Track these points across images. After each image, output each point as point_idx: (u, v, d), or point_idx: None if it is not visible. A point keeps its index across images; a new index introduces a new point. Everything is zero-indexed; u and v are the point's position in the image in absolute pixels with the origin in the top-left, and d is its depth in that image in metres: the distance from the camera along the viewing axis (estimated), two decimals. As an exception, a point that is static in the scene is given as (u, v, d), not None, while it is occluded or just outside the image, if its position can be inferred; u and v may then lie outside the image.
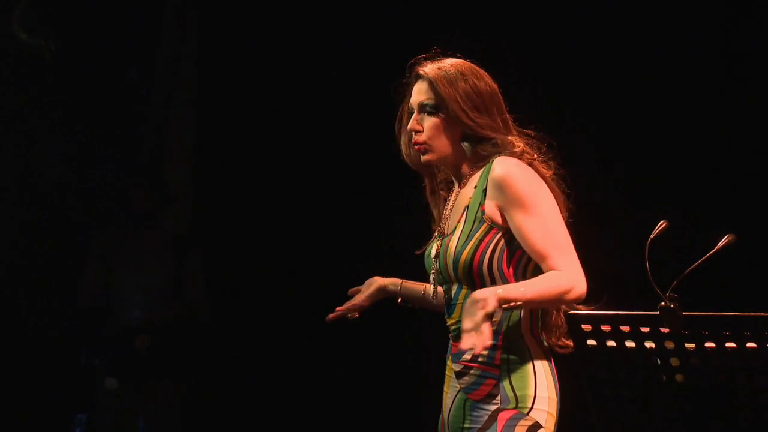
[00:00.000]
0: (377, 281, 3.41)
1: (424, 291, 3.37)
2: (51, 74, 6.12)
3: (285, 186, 6.14)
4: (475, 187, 3.08)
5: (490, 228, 3.02)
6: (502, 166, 3.02)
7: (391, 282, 3.40)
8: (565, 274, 2.95)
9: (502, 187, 3.01)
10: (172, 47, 6.43)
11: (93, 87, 6.24)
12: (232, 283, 6.15)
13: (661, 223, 2.75)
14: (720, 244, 2.65)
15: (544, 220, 2.98)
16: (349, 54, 5.91)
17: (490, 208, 3.03)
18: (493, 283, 3.02)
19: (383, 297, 3.41)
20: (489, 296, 2.85)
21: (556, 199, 3.06)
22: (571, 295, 2.94)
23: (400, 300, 3.43)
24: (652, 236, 2.69)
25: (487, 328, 2.82)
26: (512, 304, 2.90)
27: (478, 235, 3.03)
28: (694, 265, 2.59)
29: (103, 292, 5.79)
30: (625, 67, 5.19)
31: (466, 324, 2.84)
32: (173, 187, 6.10)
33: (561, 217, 3.03)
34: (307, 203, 6.10)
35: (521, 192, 3.00)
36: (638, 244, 2.71)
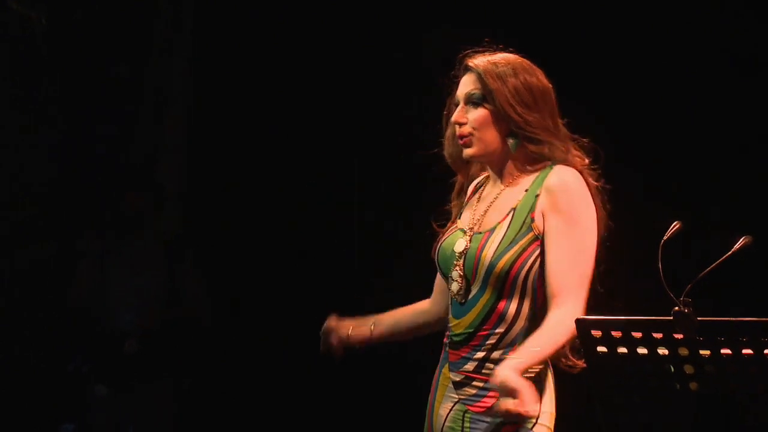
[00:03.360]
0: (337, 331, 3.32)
1: (401, 318, 3.31)
2: (41, 71, 6.12)
3: (282, 186, 6.14)
4: (527, 190, 3.04)
5: (536, 238, 2.99)
6: (560, 175, 3.00)
7: (358, 329, 3.31)
8: (567, 320, 2.87)
9: (553, 193, 2.98)
10: (165, 43, 6.43)
11: (84, 84, 6.24)
12: (226, 286, 6.14)
13: (674, 224, 2.74)
14: (736, 246, 2.65)
15: (577, 245, 2.95)
16: (348, 51, 5.90)
17: (539, 217, 3.00)
18: (524, 295, 2.99)
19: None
20: (517, 384, 2.81)
21: (597, 215, 3.04)
22: (569, 339, 2.93)
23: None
24: (665, 238, 2.68)
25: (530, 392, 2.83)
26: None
27: (522, 243, 2.99)
28: (709, 268, 2.58)
29: (94, 295, 5.79)
30: (643, 64, 5.19)
31: (508, 406, 2.82)
32: (167, 188, 6.10)
33: (594, 245, 2.98)
34: (304, 203, 6.09)
35: (569, 204, 2.97)
36: (651, 245, 2.70)
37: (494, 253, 3.00)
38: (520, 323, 3.00)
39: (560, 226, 2.96)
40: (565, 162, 3.04)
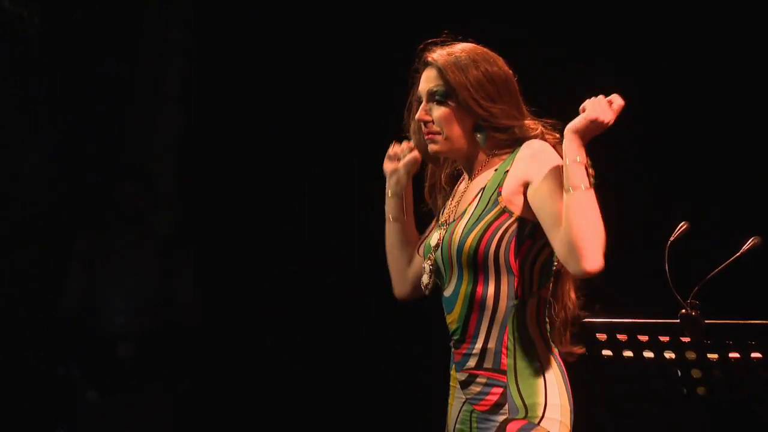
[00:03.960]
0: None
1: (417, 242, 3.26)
2: (35, 70, 6.11)
3: (278, 183, 6.13)
4: (496, 170, 3.03)
5: (503, 212, 2.96)
6: (530, 145, 2.99)
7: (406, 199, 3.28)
8: (602, 238, 2.82)
9: (532, 158, 2.96)
10: (159, 37, 6.42)
11: (78, 82, 6.23)
12: (222, 286, 6.13)
13: (681, 224, 2.73)
14: (745, 247, 2.64)
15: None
16: (345, 47, 5.89)
17: (510, 188, 2.96)
18: (498, 273, 2.97)
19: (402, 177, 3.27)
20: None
21: None
22: (590, 254, 2.78)
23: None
24: (672, 238, 2.67)
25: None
26: (582, 164, 2.83)
27: (488, 218, 2.97)
28: (717, 269, 2.57)
29: (85, 297, 5.77)
30: (649, 63, 5.18)
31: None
32: (160, 185, 6.08)
33: None
34: (303, 203, 6.08)
35: (543, 162, 2.94)
36: (657, 246, 2.69)
37: (461, 235, 2.99)
38: (504, 302, 2.98)
39: (548, 180, 2.90)
40: (537, 138, 3.03)
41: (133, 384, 5.64)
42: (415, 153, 3.24)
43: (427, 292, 3.11)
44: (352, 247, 5.89)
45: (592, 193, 2.81)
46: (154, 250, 5.83)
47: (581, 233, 2.79)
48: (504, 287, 2.98)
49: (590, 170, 2.84)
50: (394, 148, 3.30)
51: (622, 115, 2.91)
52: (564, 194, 2.83)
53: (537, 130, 3.05)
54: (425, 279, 3.10)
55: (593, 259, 2.78)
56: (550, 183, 2.91)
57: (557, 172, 2.91)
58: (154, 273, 5.79)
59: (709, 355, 2.47)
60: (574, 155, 2.84)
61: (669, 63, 5.16)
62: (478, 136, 3.06)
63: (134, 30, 6.38)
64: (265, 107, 6.15)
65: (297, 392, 6.05)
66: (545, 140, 3.03)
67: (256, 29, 6.17)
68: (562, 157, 2.95)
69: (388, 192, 3.30)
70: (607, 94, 2.93)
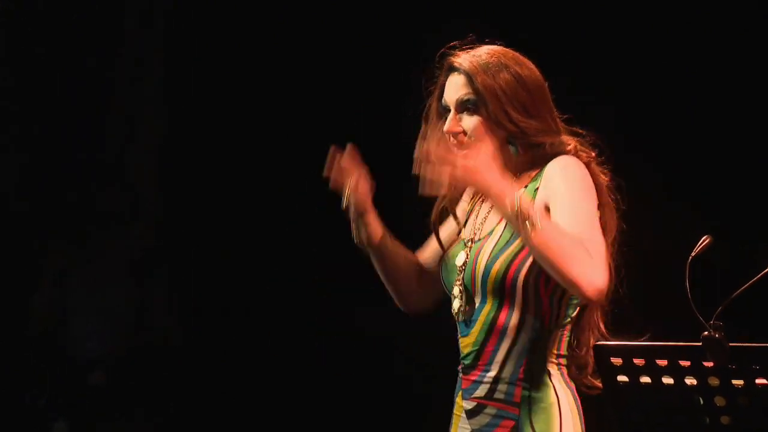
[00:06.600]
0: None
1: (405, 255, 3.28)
2: (4, 64, 6.13)
3: (265, 196, 6.13)
4: (526, 187, 3.05)
5: None
6: (559, 162, 3.01)
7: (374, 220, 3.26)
8: (589, 255, 2.85)
9: (552, 177, 2.99)
10: (138, 31, 6.43)
11: (48, 75, 6.23)
12: (203, 306, 6.13)
13: (704, 238, 2.73)
14: (773, 262, 2.64)
15: (580, 209, 2.93)
16: (344, 45, 5.91)
17: (539, 211, 2.97)
18: (525, 302, 3.00)
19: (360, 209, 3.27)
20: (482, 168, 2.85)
21: (609, 214, 3.05)
22: (585, 279, 2.83)
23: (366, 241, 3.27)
24: (693, 254, 2.68)
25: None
26: (519, 215, 2.83)
27: (518, 242, 3.00)
28: (743, 287, 2.57)
29: (54, 318, 5.77)
30: (674, 61, 5.20)
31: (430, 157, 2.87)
32: (140, 194, 6.08)
33: (596, 214, 2.97)
34: (288, 215, 6.08)
35: (570, 181, 2.97)
36: (677, 262, 2.69)
37: (488, 258, 3.02)
38: (527, 333, 3.00)
39: (560, 198, 2.95)
40: (568, 154, 3.05)
41: (104, 415, 5.65)
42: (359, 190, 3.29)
43: (460, 318, 3.10)
44: (339, 260, 5.88)
45: (540, 230, 2.83)
46: (128, 266, 5.84)
47: (562, 267, 2.83)
48: (529, 316, 3.00)
49: (525, 212, 2.85)
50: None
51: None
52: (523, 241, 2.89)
53: (570, 146, 3.05)
54: (456, 304, 3.10)
55: (589, 284, 2.83)
56: (562, 201, 2.95)
57: (572, 190, 2.94)
58: (129, 292, 5.79)
59: (734, 381, 2.47)
60: (502, 206, 2.87)
61: (699, 73, 5.18)
62: (511, 149, 3.07)
63: (112, 21, 6.39)
64: (257, 109, 6.15)
65: (286, 417, 6.06)
66: (578, 156, 3.03)
67: (248, 25, 6.17)
68: (592, 174, 2.97)
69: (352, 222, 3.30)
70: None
